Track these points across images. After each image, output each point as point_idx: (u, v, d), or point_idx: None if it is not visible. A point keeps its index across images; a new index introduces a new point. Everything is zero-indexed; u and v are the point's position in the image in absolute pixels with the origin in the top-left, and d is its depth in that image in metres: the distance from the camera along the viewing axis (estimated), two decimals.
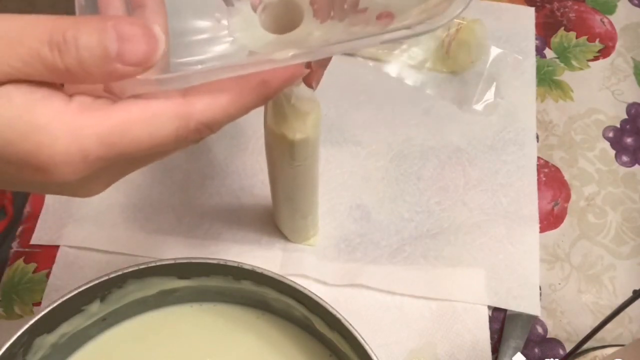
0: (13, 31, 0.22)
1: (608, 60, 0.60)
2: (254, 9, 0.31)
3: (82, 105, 0.23)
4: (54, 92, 0.23)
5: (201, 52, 0.30)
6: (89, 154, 0.23)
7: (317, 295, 0.37)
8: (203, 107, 0.24)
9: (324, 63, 0.35)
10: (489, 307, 0.48)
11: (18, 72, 0.23)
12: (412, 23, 0.24)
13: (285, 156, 0.37)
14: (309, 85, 0.34)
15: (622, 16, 0.63)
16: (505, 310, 0.48)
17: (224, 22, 0.31)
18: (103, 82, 0.24)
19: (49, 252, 0.49)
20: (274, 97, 0.27)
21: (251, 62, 0.24)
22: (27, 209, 0.51)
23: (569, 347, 0.47)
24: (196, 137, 0.25)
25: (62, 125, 0.23)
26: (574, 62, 0.60)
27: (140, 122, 0.24)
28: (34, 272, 0.48)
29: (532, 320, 0.48)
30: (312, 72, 0.34)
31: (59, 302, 0.36)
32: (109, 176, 0.27)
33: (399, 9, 0.27)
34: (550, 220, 0.52)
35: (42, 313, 0.35)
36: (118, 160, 0.25)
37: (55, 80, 0.23)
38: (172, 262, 0.38)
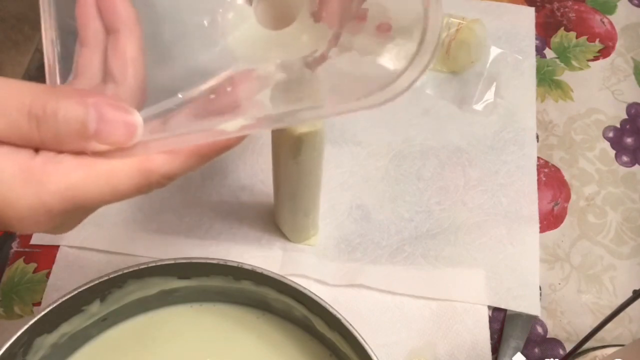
0: None
1: (608, 60, 0.60)
2: (250, 1, 0.31)
3: (46, 160, 0.24)
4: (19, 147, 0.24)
5: (188, 61, 0.30)
6: (52, 209, 0.24)
7: (317, 295, 0.37)
8: (163, 161, 0.25)
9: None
10: (489, 307, 0.48)
11: None
12: (363, 94, 0.24)
13: (292, 150, 0.37)
14: None
15: (622, 16, 0.63)
16: (505, 310, 0.48)
17: (220, 19, 0.30)
18: (74, 152, 0.24)
19: (49, 252, 0.49)
20: (233, 147, 0.27)
21: (205, 133, 0.25)
22: None
23: (569, 347, 0.47)
24: (157, 187, 0.26)
25: (26, 182, 0.23)
26: (574, 62, 0.60)
27: (101, 178, 0.24)
28: (34, 272, 0.48)
29: (532, 320, 0.48)
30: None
31: (59, 302, 0.36)
32: (76, 219, 0.27)
33: (397, 23, 0.26)
34: (550, 220, 0.52)
35: (42, 313, 0.35)
36: (82, 210, 0.25)
37: (27, 147, 0.24)
38: (172, 262, 0.38)
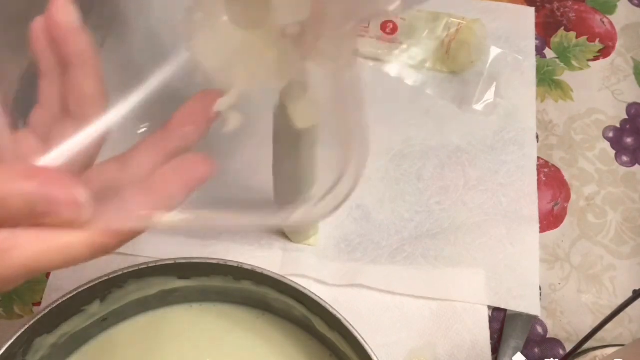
0: None
1: (608, 60, 0.60)
2: None
3: (2, 238, 0.24)
4: None
5: (151, 72, 0.29)
6: (13, 281, 0.25)
7: (317, 295, 0.37)
8: (117, 236, 0.26)
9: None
10: (489, 307, 0.48)
11: None
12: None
13: (293, 146, 0.37)
14: None
15: (622, 16, 0.63)
16: (505, 310, 0.48)
17: (188, 19, 0.29)
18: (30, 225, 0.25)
19: None
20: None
21: (148, 222, 0.27)
22: None
23: (569, 347, 0.47)
24: (111, 252, 0.27)
25: None
26: (574, 62, 0.60)
27: (58, 251, 0.25)
28: None
29: (532, 320, 0.48)
30: None
31: (59, 302, 0.36)
32: (35, 276, 0.28)
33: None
34: (550, 220, 0.52)
35: (42, 313, 0.35)
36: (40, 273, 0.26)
37: None
38: (172, 262, 0.38)
